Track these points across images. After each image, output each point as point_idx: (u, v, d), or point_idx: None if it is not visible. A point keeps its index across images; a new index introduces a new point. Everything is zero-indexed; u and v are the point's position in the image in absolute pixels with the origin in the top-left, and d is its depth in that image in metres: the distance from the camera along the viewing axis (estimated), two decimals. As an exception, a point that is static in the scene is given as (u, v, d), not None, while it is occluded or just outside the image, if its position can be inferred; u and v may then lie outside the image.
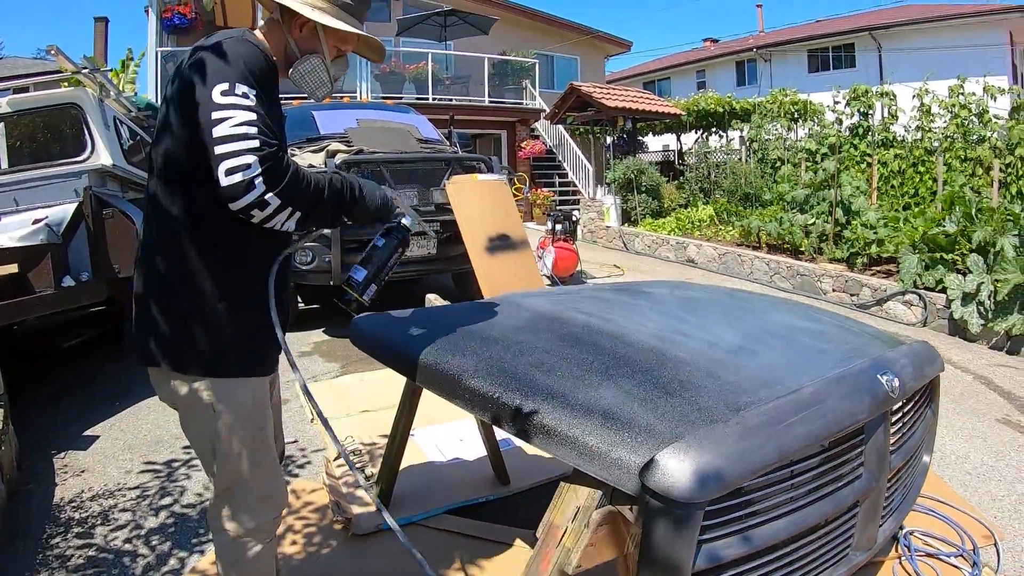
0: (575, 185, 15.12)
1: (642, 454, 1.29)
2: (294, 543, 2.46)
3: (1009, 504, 2.85)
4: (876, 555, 2.00)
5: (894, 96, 9.76)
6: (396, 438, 2.53)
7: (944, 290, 5.55)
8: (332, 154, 5.20)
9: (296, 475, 3.05)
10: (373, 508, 2.58)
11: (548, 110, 15.38)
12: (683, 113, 13.92)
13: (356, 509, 2.62)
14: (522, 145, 15.73)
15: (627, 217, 11.97)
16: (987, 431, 3.62)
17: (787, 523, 1.48)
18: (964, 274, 5.32)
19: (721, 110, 14.48)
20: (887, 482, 1.80)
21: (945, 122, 8.95)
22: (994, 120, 8.55)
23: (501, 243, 4.91)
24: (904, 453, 1.93)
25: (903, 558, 2.33)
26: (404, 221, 1.73)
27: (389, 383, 3.92)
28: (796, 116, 12.43)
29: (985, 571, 2.32)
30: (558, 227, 8.37)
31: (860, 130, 10.22)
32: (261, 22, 1.65)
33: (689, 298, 2.50)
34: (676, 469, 1.23)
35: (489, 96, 15.48)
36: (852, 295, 6.86)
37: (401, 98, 13.93)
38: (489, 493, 2.80)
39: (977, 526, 2.61)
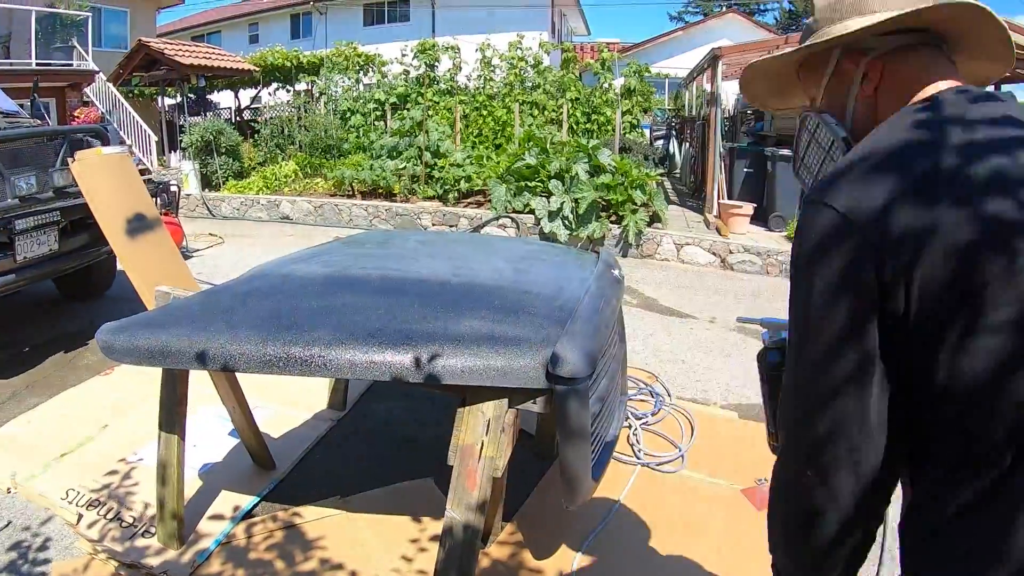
0: (134, 154, 13.38)
1: (537, 358, 1.63)
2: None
3: (647, 355, 4.00)
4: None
5: (458, 49, 11.12)
6: (174, 460, 2.18)
7: (532, 212, 6.89)
8: None
9: (45, 561, 2.26)
10: (172, 553, 2.23)
11: (99, 71, 13.26)
12: (256, 69, 13.47)
13: (156, 560, 2.21)
14: (76, 114, 13.16)
15: (208, 182, 11.26)
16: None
17: (606, 382, 2.00)
18: (547, 197, 6.70)
19: (289, 64, 14.36)
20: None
21: (504, 72, 10.63)
22: (549, 69, 10.49)
23: (139, 224, 4.38)
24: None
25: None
26: None
27: (68, 414, 3.24)
28: (361, 68, 13.13)
29: (664, 400, 3.29)
30: (157, 200, 7.62)
31: (428, 80, 11.41)
32: None
33: (425, 241, 2.86)
34: (573, 357, 1.61)
35: (37, 57, 12.51)
36: (451, 226, 7.93)
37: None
38: (268, 482, 2.64)
39: (640, 373, 3.63)
